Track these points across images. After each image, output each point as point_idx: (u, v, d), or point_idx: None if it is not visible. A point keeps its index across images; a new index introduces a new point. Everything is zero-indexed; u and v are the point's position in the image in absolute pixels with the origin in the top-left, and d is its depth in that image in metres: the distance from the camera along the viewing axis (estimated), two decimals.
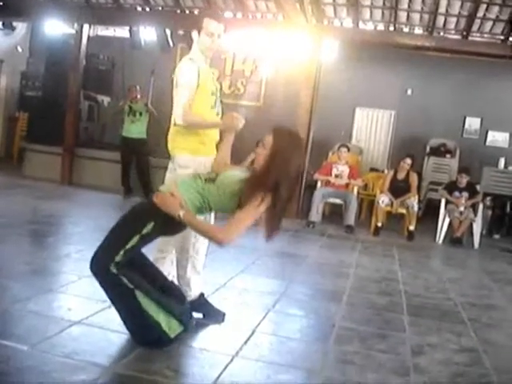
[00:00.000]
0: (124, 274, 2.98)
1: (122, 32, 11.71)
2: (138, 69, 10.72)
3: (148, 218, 3.06)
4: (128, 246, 3.00)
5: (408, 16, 9.07)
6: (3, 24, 12.02)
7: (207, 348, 3.22)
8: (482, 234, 8.51)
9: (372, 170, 11.18)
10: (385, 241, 7.94)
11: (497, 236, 9.30)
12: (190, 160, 3.55)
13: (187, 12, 9.98)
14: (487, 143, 11.78)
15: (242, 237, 3.05)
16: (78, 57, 10.05)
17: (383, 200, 8.44)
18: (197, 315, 3.49)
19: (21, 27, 12.70)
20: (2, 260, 4.57)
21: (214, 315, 3.65)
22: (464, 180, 8.51)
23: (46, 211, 7.23)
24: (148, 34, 10.01)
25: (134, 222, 3.11)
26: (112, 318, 3.27)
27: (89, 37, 10.26)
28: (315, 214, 8.42)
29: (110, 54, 11.61)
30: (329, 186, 8.82)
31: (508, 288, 5.98)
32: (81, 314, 3.46)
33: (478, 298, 5.26)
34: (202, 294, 3.66)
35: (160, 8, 10.09)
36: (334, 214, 9.31)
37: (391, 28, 9.47)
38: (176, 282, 3.62)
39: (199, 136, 3.59)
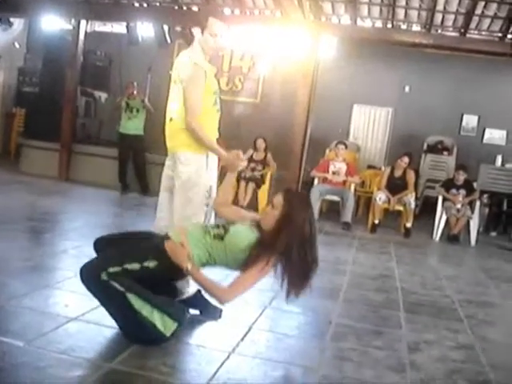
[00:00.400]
0: (114, 279, 2.99)
1: (119, 28, 11.68)
2: (136, 65, 10.71)
3: (154, 256, 3.11)
4: (126, 267, 3.02)
5: (406, 13, 9.06)
6: (0, 20, 11.99)
7: (204, 344, 3.22)
8: (478, 231, 8.53)
9: (369, 167, 11.19)
10: (382, 238, 7.95)
11: (494, 233, 9.33)
12: (192, 157, 3.55)
13: (185, 8, 9.97)
14: (484, 141, 11.80)
15: None
16: (76, 53, 10.02)
17: (380, 197, 8.45)
18: (194, 311, 3.48)
19: (18, 23, 12.66)
20: None
21: (210, 312, 3.64)
22: (461, 177, 8.52)
23: (43, 207, 7.22)
24: (145, 30, 10.00)
25: (138, 252, 3.16)
26: (108, 314, 3.26)
27: (86, 33, 10.23)
28: None
29: (108, 50, 11.59)
30: (326, 183, 8.83)
31: (504, 285, 5.99)
32: (77, 310, 3.45)
33: (474, 295, 5.27)
34: (198, 291, 3.65)
35: (158, 4, 10.08)
36: (331, 211, 9.31)
37: (389, 25, 9.47)
38: None
39: None
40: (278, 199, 3.21)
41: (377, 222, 8.39)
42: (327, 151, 10.35)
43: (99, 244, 3.41)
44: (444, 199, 8.53)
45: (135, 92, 9.45)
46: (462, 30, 9.10)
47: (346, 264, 5.98)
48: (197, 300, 3.63)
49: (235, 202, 8.69)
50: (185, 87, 3.53)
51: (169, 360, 2.91)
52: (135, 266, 3.04)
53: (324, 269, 5.57)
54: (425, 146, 11.33)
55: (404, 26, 9.53)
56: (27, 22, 12.79)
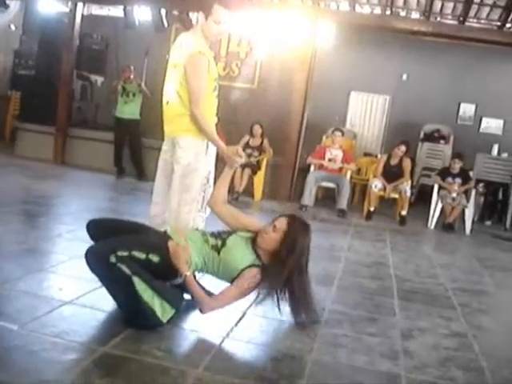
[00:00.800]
0: (122, 262, 2.98)
1: (116, 11, 11.61)
2: (132, 49, 10.63)
3: (158, 252, 3.15)
4: (134, 253, 3.04)
5: (405, 0, 9.02)
6: None
7: (198, 329, 3.22)
8: (473, 220, 8.54)
9: (366, 154, 11.19)
10: (377, 225, 7.97)
11: (488, 222, 9.34)
12: (192, 142, 3.55)
13: None
14: (481, 130, 11.81)
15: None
16: (72, 36, 9.95)
17: (376, 185, 8.45)
18: (187, 297, 3.48)
19: (14, 4, 12.52)
20: None
21: None
22: (457, 166, 8.52)
23: (38, 191, 7.20)
24: (142, 13, 9.91)
25: (146, 243, 3.20)
26: (103, 298, 3.26)
27: (82, 16, 10.15)
28: (308, 198, 8.43)
29: (104, 33, 11.49)
30: (322, 170, 8.82)
31: (499, 274, 6.02)
32: (71, 294, 3.45)
33: (468, 284, 5.28)
34: (193, 276, 3.65)
35: None
36: (327, 197, 9.32)
37: (388, 12, 9.43)
38: None
39: None
40: (282, 224, 3.31)
41: (372, 209, 8.39)
42: (324, 138, 10.33)
43: (93, 229, 3.39)
44: (440, 188, 8.54)
45: (132, 76, 9.39)
46: (461, 19, 9.09)
47: (341, 251, 5.99)
48: None
49: (231, 187, 8.68)
50: (188, 76, 3.51)
51: (163, 344, 2.90)
52: (142, 255, 3.07)
53: (319, 256, 5.59)
54: (421, 135, 11.31)
55: (403, 13, 9.51)
56: (23, 4, 12.66)
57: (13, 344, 2.67)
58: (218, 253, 3.27)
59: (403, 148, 8.57)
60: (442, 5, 8.88)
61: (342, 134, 9.18)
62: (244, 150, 8.27)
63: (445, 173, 8.67)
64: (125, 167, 9.49)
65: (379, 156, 9.83)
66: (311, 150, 9.25)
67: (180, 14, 10.08)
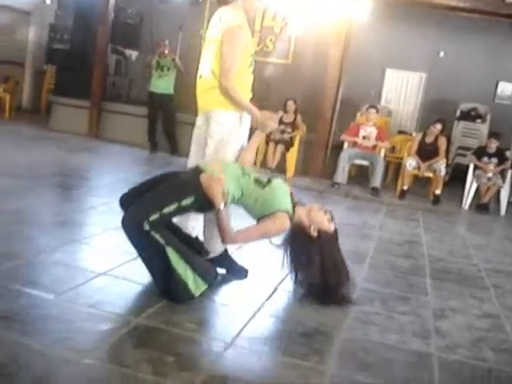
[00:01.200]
0: (156, 231, 3.00)
1: None
2: (167, 23, 10.60)
3: (190, 192, 3.12)
4: (165, 211, 3.03)
5: None
6: None
7: (229, 303, 3.25)
8: (509, 200, 8.38)
9: (400, 132, 11.05)
10: (410, 204, 7.89)
11: None
12: (225, 115, 3.53)
13: None
14: None
15: None
16: (107, 10, 9.97)
17: (410, 163, 8.35)
18: (220, 270, 3.50)
19: None
20: (29, 211, 4.63)
21: (237, 271, 3.68)
22: (493, 145, 8.36)
23: (73, 164, 7.29)
24: None
25: (176, 191, 3.14)
26: (136, 270, 3.31)
27: None
28: (341, 175, 8.37)
29: (139, 7, 11.48)
30: (356, 147, 8.74)
31: None
32: (105, 265, 3.50)
33: (502, 265, 5.21)
34: (225, 250, 3.67)
35: None
36: (360, 175, 9.25)
37: None
38: (199, 236, 3.63)
39: None
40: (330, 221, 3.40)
41: (406, 188, 8.31)
42: (358, 115, 10.23)
43: (125, 201, 3.39)
44: (475, 167, 8.40)
45: (166, 51, 9.39)
46: None
47: (374, 229, 5.95)
48: (224, 259, 3.65)
49: (264, 163, 8.68)
50: (224, 48, 3.48)
51: (194, 317, 2.94)
52: (173, 206, 3.04)
53: (351, 233, 5.59)
54: (458, 113, 11.13)
55: None
56: None
57: (48, 313, 2.72)
58: (263, 188, 3.25)
59: (439, 126, 8.42)
60: None
61: (377, 111, 9.06)
62: (278, 126, 8.32)
63: (481, 152, 8.52)
64: (158, 142, 9.54)
65: (414, 134, 9.70)
66: (345, 127, 9.16)
67: None
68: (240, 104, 3.54)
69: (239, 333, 2.85)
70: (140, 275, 3.28)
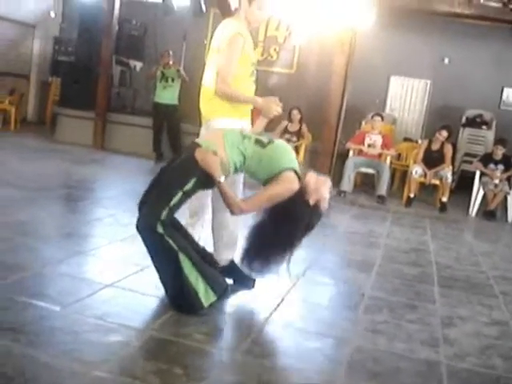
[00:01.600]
0: (170, 235, 2.99)
1: None
2: (171, 34, 10.65)
3: (190, 174, 3.03)
4: (172, 204, 2.98)
5: None
6: None
7: (237, 313, 3.24)
8: None
9: (406, 139, 11.02)
10: (417, 212, 7.86)
11: None
12: (225, 122, 3.52)
13: None
14: None
15: None
16: (111, 22, 10.02)
17: (416, 170, 8.33)
18: (227, 280, 3.49)
19: None
20: (34, 223, 4.63)
21: (244, 281, 3.66)
22: (500, 152, 8.34)
23: (78, 175, 7.30)
24: None
25: (176, 178, 3.08)
26: (143, 281, 3.30)
27: (121, 2, 10.21)
28: (347, 183, 8.36)
29: (143, 19, 11.54)
30: (361, 155, 8.73)
31: None
32: (112, 277, 3.49)
33: (510, 272, 5.18)
34: (232, 261, 3.67)
35: None
36: (366, 183, 9.23)
37: None
38: (203, 244, 3.62)
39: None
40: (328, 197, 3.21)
41: (412, 195, 8.29)
42: (363, 123, 10.22)
43: (141, 205, 3.28)
44: (481, 174, 8.37)
45: (171, 61, 9.42)
46: (505, 1, 8.82)
47: (380, 237, 5.93)
48: (231, 269, 3.64)
49: None
50: (222, 54, 3.50)
51: (203, 327, 2.92)
52: (178, 196, 2.99)
53: (357, 241, 5.58)
54: (463, 120, 11.10)
55: None
56: None
57: (55, 325, 2.72)
58: (264, 147, 3.13)
59: (445, 133, 8.40)
60: None
61: (382, 119, 9.05)
62: (282, 136, 8.32)
63: (487, 159, 8.50)
64: (163, 152, 9.56)
65: (419, 141, 9.68)
66: (350, 135, 9.16)
67: None
68: (240, 99, 3.54)
69: (248, 343, 2.83)
70: (146, 286, 3.27)
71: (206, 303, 3.07)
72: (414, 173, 8.34)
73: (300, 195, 3.08)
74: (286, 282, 3.54)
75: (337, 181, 8.54)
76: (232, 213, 3.12)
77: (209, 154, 3.01)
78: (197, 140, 3.23)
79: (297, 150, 8.88)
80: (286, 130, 8.84)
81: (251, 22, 3.66)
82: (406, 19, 10.12)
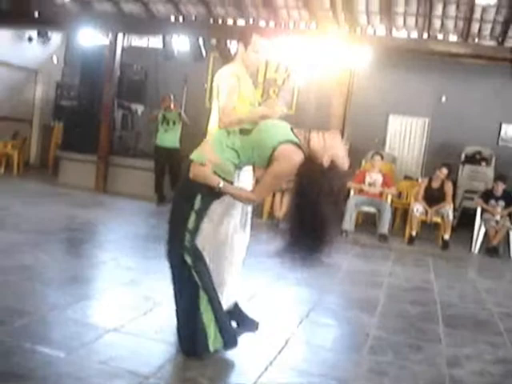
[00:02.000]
0: (198, 270, 3.03)
1: (155, 42, 11.87)
2: (171, 78, 10.82)
3: (193, 193, 3.06)
4: (189, 227, 3.04)
5: (442, 23, 9.00)
6: (39, 34, 12.32)
7: (241, 356, 3.22)
8: None
9: (406, 178, 11.08)
10: (419, 250, 7.86)
11: None
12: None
13: (220, 21, 10.05)
14: None
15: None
16: (113, 67, 10.19)
17: (418, 209, 8.36)
18: (234, 324, 3.49)
19: (56, 37, 12.97)
20: (39, 267, 4.64)
21: (248, 324, 3.65)
22: (500, 188, 8.38)
23: (81, 219, 7.33)
24: (181, 43, 10.11)
25: (184, 203, 3.12)
26: (147, 326, 3.31)
27: (123, 47, 10.41)
28: (348, 223, 8.38)
29: (144, 63, 11.75)
30: (362, 195, 8.77)
31: None
32: (115, 321, 3.49)
33: None
34: (236, 303, 3.67)
35: (193, 17, 10.17)
36: (367, 222, 9.24)
37: (425, 35, 9.40)
38: None
39: None
40: (342, 148, 3.00)
41: (414, 233, 8.30)
42: (363, 162, 10.29)
43: None
44: (483, 210, 8.40)
45: (172, 105, 9.54)
46: (500, 39, 8.99)
47: (383, 276, 5.92)
48: (234, 312, 3.63)
49: (271, 213, 8.70)
50: (219, 94, 3.57)
51: (207, 372, 2.92)
52: (192, 217, 3.04)
53: (360, 281, 5.57)
54: (463, 157, 11.17)
55: (440, 36, 9.45)
56: (65, 37, 13.08)
57: (61, 371, 2.71)
58: (249, 133, 3.07)
59: (445, 171, 8.45)
60: (480, 26, 8.82)
61: (382, 158, 9.12)
62: None
63: (488, 195, 8.53)
64: (165, 194, 9.59)
65: (420, 179, 9.72)
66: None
67: (218, 44, 10.27)
68: (245, 121, 3.49)
69: None
70: (150, 331, 3.28)
71: (212, 348, 3.06)
72: (415, 211, 8.36)
73: (311, 163, 2.92)
74: (290, 324, 3.53)
75: (339, 220, 8.56)
76: (251, 203, 3.30)
77: (196, 167, 3.03)
78: (190, 156, 3.19)
79: None
80: None
81: (248, 66, 3.73)
82: (403, 59, 10.28)
